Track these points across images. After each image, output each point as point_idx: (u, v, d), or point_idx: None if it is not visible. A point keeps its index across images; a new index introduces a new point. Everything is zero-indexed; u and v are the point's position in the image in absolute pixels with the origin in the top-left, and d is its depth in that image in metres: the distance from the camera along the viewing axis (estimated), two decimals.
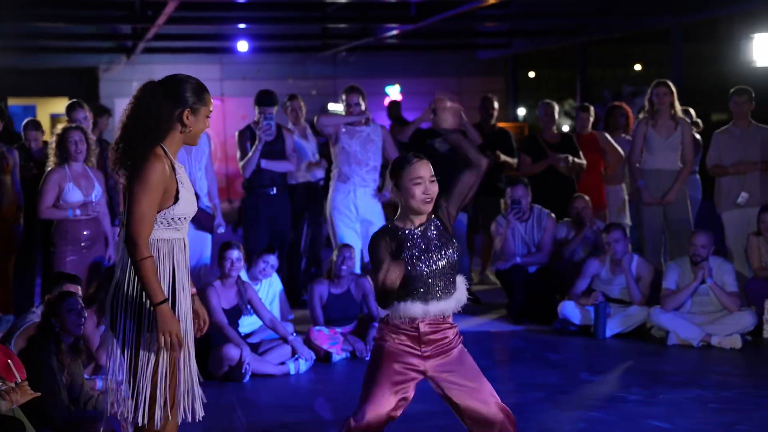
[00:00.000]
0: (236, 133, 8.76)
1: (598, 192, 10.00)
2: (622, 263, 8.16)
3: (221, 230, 7.96)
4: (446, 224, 4.27)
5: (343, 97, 8.53)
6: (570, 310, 8.16)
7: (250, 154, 8.36)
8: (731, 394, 6.31)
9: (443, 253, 4.20)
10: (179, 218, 3.91)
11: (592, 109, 10.84)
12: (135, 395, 3.85)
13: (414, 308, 4.18)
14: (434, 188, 4.19)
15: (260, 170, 8.42)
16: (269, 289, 7.71)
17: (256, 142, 8.32)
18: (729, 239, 8.94)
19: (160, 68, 18.33)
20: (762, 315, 7.88)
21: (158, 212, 3.85)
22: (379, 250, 4.15)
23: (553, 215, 8.90)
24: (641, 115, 9.08)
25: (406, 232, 4.20)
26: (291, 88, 19.22)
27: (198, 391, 4.02)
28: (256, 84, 15.86)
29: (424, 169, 4.19)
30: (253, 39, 17.16)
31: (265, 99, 8.45)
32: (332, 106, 18.15)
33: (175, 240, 3.92)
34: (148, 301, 3.81)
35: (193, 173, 7.59)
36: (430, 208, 4.21)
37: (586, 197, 9.10)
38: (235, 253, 7.07)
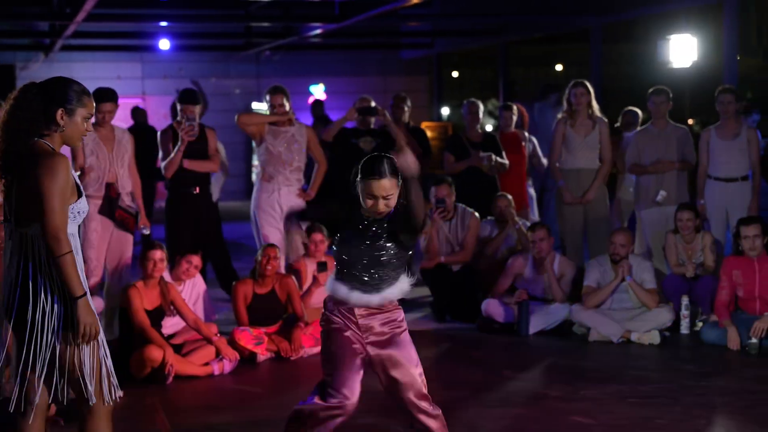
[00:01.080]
0: (158, 133, 8.68)
1: (520, 190, 10.13)
2: (545, 262, 8.28)
3: (145, 232, 7.88)
4: (405, 221, 4.28)
5: (267, 97, 8.49)
6: (493, 308, 8.25)
7: (172, 154, 8.29)
8: (650, 389, 6.43)
9: (385, 249, 4.25)
10: (79, 212, 4.03)
11: (515, 107, 10.98)
12: (82, 380, 3.99)
13: (339, 289, 4.29)
14: (384, 206, 4.21)
15: (183, 170, 8.35)
16: (192, 290, 7.66)
17: (179, 143, 8.25)
18: (647, 237, 9.12)
19: (79, 66, 18.09)
20: (679, 311, 8.05)
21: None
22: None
23: (476, 214, 8.98)
24: (560, 116, 9.22)
25: (363, 215, 4.27)
26: (213, 87, 19.13)
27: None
28: (177, 83, 15.76)
29: (381, 190, 4.18)
30: (175, 37, 17.00)
31: (187, 98, 8.37)
32: (256, 106, 18.06)
33: (72, 235, 4.01)
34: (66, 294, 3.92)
35: (115, 171, 7.51)
36: (377, 216, 4.25)
37: (509, 196, 9.21)
38: (158, 254, 7.01)
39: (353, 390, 4.27)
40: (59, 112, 3.99)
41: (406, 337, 4.36)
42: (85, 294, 3.93)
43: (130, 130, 9.43)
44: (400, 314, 4.38)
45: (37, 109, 3.97)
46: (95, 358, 4.01)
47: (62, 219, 3.88)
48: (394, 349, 4.31)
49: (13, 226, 3.98)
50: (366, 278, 4.27)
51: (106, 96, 7.46)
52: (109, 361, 4.09)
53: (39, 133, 3.98)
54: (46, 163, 3.88)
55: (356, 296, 4.28)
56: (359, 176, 4.23)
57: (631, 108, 10.48)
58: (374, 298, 4.29)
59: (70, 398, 4.05)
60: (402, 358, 4.30)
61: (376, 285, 4.29)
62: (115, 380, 4.09)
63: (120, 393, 4.12)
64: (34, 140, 3.96)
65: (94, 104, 4.17)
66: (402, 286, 4.35)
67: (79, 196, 4.00)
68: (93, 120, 4.22)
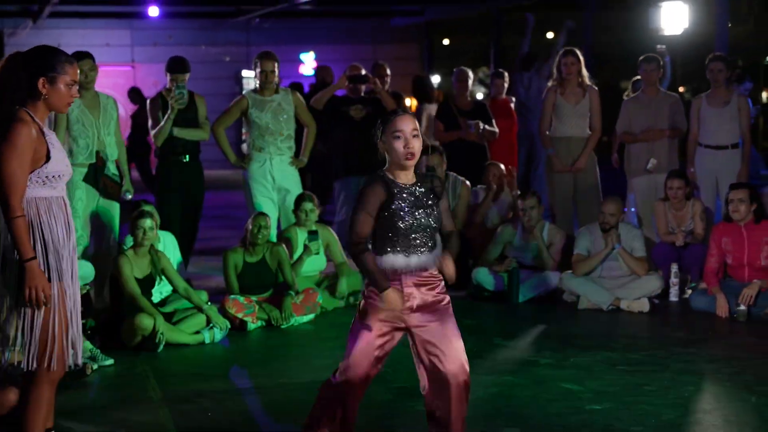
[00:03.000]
0: (147, 101, 8.64)
1: (510, 155, 10.15)
2: (535, 230, 8.30)
3: (128, 197, 7.86)
4: (436, 191, 4.33)
5: (258, 63, 8.43)
6: (483, 276, 8.28)
7: (162, 122, 8.26)
8: (639, 356, 6.48)
9: (429, 211, 4.27)
10: (53, 176, 4.13)
11: (506, 75, 10.98)
12: (26, 343, 4.09)
13: (397, 260, 4.25)
14: (415, 143, 4.21)
15: (173, 138, 8.33)
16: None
17: (168, 111, 8.22)
18: (637, 205, 9.15)
19: (68, 33, 17.99)
20: (668, 279, 8.09)
21: (32, 172, 4.07)
22: (369, 199, 4.21)
23: (467, 183, 8.99)
24: (550, 84, 9.20)
25: (400, 185, 4.26)
26: (203, 55, 19.04)
27: (80, 341, 4.27)
28: (167, 50, 15.65)
29: (406, 123, 4.21)
30: (165, 4, 16.88)
31: (176, 66, 8.33)
32: (246, 74, 17.99)
33: (53, 198, 4.15)
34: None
35: (102, 138, 7.48)
36: (412, 163, 4.25)
37: (501, 165, 9.22)
38: (148, 222, 6.99)
39: (358, 373, 4.27)
40: (41, 80, 4.10)
41: (449, 309, 4.37)
42: (33, 258, 4.02)
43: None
44: (442, 284, 4.38)
45: (20, 78, 4.07)
46: (44, 320, 4.07)
47: (13, 186, 3.98)
48: (437, 321, 4.30)
49: None
50: (420, 243, 4.26)
51: (81, 55, 7.38)
52: (73, 329, 4.17)
53: (22, 101, 4.09)
54: (4, 129, 4.01)
55: (415, 261, 4.26)
56: (381, 129, 4.24)
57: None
58: (430, 260, 4.30)
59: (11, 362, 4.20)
60: (445, 330, 4.30)
61: (430, 247, 4.30)
62: (74, 348, 4.16)
63: (76, 362, 4.19)
64: (17, 108, 4.06)
65: (78, 70, 4.23)
66: (441, 245, 4.38)
67: (47, 160, 4.09)
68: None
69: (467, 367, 4.35)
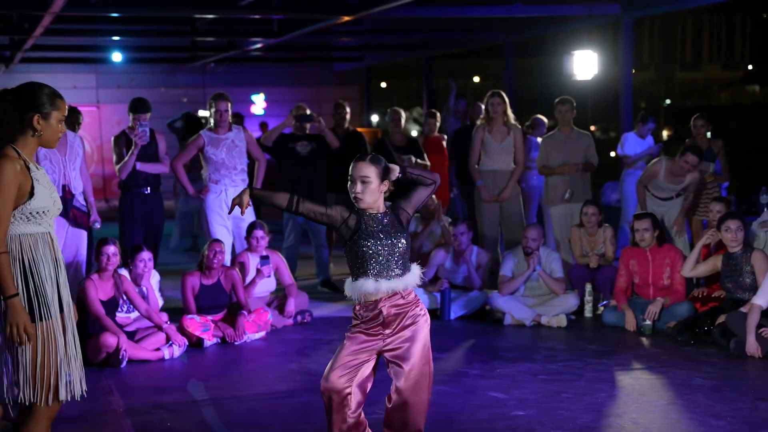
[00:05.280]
0: (112, 138, 8.55)
1: (442, 189, 10.18)
2: (465, 254, 8.34)
3: (97, 226, 7.75)
4: (401, 220, 4.29)
5: (213, 103, 8.40)
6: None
7: (126, 158, 8.18)
8: (557, 367, 6.52)
9: (395, 239, 4.22)
10: (37, 212, 3.82)
11: (438, 114, 11.05)
12: (18, 379, 3.79)
13: (366, 285, 4.20)
14: (358, 188, 4.20)
15: (135, 172, 8.26)
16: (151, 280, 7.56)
17: (132, 147, 8.15)
18: (556, 231, 9.24)
19: (38, 77, 17.59)
20: (583, 297, 8.17)
21: (15, 208, 3.77)
22: (332, 207, 4.24)
23: None
24: (478, 122, 9.28)
25: (368, 212, 4.24)
26: (163, 96, 18.91)
27: (81, 372, 3.95)
28: (129, 92, 15.54)
29: (357, 169, 4.22)
30: (127, 50, 16.77)
31: (139, 106, 8.26)
32: (202, 113, 17.91)
33: (39, 234, 3.83)
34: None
35: (68, 174, 7.37)
36: (360, 204, 4.23)
37: (433, 196, 9.24)
38: (111, 248, 6.92)
39: (336, 376, 4.17)
40: (36, 117, 3.82)
41: (423, 333, 4.28)
42: (16, 295, 3.71)
43: None
44: (421, 308, 4.33)
45: (13, 115, 3.79)
46: (32, 359, 3.77)
47: None
48: (410, 343, 4.24)
49: None
50: (387, 268, 4.21)
51: None
52: (71, 362, 3.85)
53: (12, 138, 3.80)
54: None
55: (385, 285, 4.20)
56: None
57: (537, 116, 10.97)
58: (399, 284, 4.23)
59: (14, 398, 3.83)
60: (412, 354, 4.23)
61: (398, 273, 4.24)
62: (70, 381, 3.84)
63: (74, 394, 3.87)
64: (6, 146, 3.77)
65: (66, 106, 3.96)
66: (416, 272, 4.32)
67: (30, 197, 3.79)
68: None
69: (424, 391, 4.26)
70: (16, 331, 3.71)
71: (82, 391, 3.92)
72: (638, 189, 8.89)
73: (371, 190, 4.22)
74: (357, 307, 4.30)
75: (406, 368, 4.22)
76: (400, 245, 4.23)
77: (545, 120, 11.00)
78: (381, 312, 4.22)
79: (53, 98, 3.87)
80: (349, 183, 4.24)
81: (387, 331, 4.23)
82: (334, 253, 10.48)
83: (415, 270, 4.32)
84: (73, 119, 8.61)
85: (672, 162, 8.69)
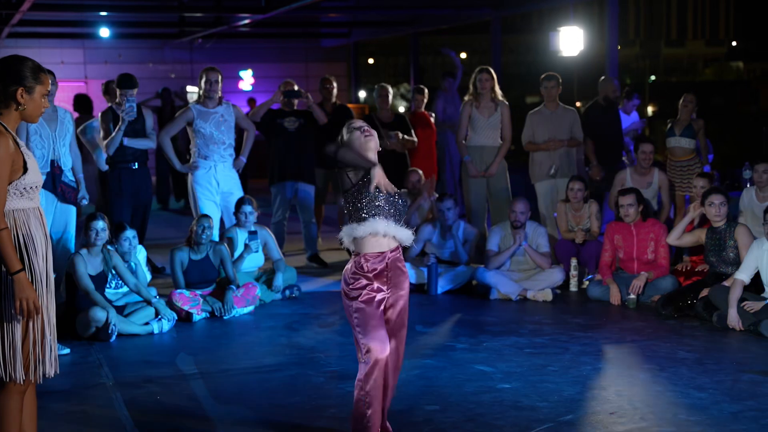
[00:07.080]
0: (99, 114, 8.48)
1: (430, 162, 10.16)
2: (452, 229, 8.33)
3: (84, 202, 7.71)
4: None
5: (204, 75, 8.31)
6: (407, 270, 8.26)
7: (113, 133, 8.13)
8: (543, 340, 6.54)
9: (396, 196, 4.33)
10: (30, 187, 3.77)
11: (426, 90, 11.01)
12: (6, 354, 3.74)
13: (376, 224, 4.23)
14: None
15: (123, 147, 8.20)
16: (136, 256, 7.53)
17: (120, 123, 8.09)
18: (541, 206, 9.24)
19: (25, 52, 17.38)
20: (569, 271, 8.19)
21: (10, 183, 3.70)
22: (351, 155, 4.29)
23: None
24: (466, 98, 9.25)
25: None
26: (150, 72, 18.78)
27: (56, 350, 3.90)
28: (117, 68, 15.41)
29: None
30: (115, 26, 16.63)
31: (126, 82, 8.20)
32: (190, 89, 17.82)
33: (30, 209, 3.78)
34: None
35: (57, 149, 7.31)
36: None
37: (420, 171, 9.23)
38: (100, 224, 6.88)
39: (384, 341, 4.24)
40: (19, 90, 3.74)
41: (407, 288, 4.44)
42: (22, 269, 3.66)
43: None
44: (404, 264, 4.44)
45: None
46: (23, 335, 3.72)
47: None
48: (402, 301, 4.39)
49: None
50: (391, 209, 4.28)
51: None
52: (48, 340, 3.79)
53: None
54: None
55: (393, 228, 4.27)
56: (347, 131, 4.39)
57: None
58: (402, 234, 4.30)
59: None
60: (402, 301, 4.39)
61: (398, 220, 4.32)
62: (45, 360, 3.77)
63: (48, 372, 3.80)
64: None
65: (50, 80, 3.86)
66: (410, 231, 4.37)
67: (24, 172, 3.73)
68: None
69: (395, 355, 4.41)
70: (26, 305, 3.66)
71: (52, 372, 3.87)
72: (611, 205, 8.53)
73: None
74: (361, 261, 4.28)
75: (393, 317, 4.35)
76: (400, 202, 4.35)
77: None
78: (387, 263, 4.29)
79: (37, 72, 3.79)
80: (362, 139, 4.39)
81: (389, 285, 4.32)
82: (323, 228, 10.47)
83: (409, 230, 4.39)
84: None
85: (633, 168, 8.79)
